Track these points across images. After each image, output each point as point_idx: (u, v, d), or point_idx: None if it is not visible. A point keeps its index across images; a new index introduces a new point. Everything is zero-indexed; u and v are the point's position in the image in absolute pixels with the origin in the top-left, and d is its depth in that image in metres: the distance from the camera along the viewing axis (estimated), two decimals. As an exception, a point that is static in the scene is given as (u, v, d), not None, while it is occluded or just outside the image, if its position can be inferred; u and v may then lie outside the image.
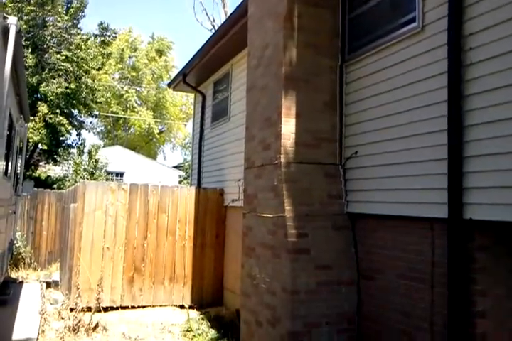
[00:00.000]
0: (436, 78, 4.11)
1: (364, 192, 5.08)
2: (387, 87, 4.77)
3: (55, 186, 20.96)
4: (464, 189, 3.74)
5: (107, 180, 23.68)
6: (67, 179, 21.83)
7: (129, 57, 46.49)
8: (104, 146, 37.72)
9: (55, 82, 21.42)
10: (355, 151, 5.22)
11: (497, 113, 3.54)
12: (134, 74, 45.70)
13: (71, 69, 21.96)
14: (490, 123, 3.60)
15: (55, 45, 22.05)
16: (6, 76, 4.94)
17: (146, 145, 48.92)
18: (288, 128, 5.20)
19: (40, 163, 27.41)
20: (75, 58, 22.16)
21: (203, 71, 10.50)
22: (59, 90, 21.25)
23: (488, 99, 3.62)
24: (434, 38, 4.20)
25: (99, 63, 24.43)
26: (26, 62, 19.22)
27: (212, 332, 7.05)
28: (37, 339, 6.47)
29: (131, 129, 48.13)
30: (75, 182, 15.32)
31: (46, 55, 21.66)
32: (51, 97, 21.21)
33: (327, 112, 5.40)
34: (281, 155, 5.16)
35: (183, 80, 11.16)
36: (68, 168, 23.31)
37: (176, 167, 40.01)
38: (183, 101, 48.92)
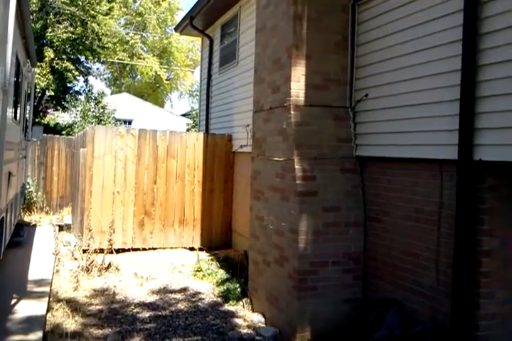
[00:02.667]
0: (452, 16, 3.97)
1: (374, 135, 5.05)
2: (400, 26, 4.62)
3: (63, 133, 20.96)
4: (475, 130, 3.71)
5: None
6: (76, 126, 21.81)
7: (134, 1, 45.17)
8: (111, 94, 37.42)
9: (60, 27, 20.97)
10: (366, 94, 5.14)
11: (513, 51, 3.44)
12: (138, 19, 44.58)
13: (77, 13, 21.45)
14: (505, 63, 3.50)
15: (59, -12, 21.45)
16: (10, 14, 4.80)
17: (154, 93, 48.43)
18: (298, 69, 5.11)
19: (49, 110, 27.31)
20: (80, 2, 21.59)
21: (211, 13, 10.23)
22: (65, 35, 20.83)
23: (504, 37, 3.51)
24: (451, -27, 4.04)
25: (106, 8, 23.79)
26: (30, 7, 18.73)
27: (221, 272, 7.25)
28: (52, 278, 6.68)
29: (138, 77, 47.55)
30: (83, 128, 15.31)
31: (50, -1, 21.13)
32: (57, 43, 20.83)
33: (338, 53, 5.28)
34: (291, 98, 5.10)
35: (190, 23, 10.90)
36: (76, 114, 23.24)
37: (183, 115, 39.77)
38: (189, 47, 47.91)
